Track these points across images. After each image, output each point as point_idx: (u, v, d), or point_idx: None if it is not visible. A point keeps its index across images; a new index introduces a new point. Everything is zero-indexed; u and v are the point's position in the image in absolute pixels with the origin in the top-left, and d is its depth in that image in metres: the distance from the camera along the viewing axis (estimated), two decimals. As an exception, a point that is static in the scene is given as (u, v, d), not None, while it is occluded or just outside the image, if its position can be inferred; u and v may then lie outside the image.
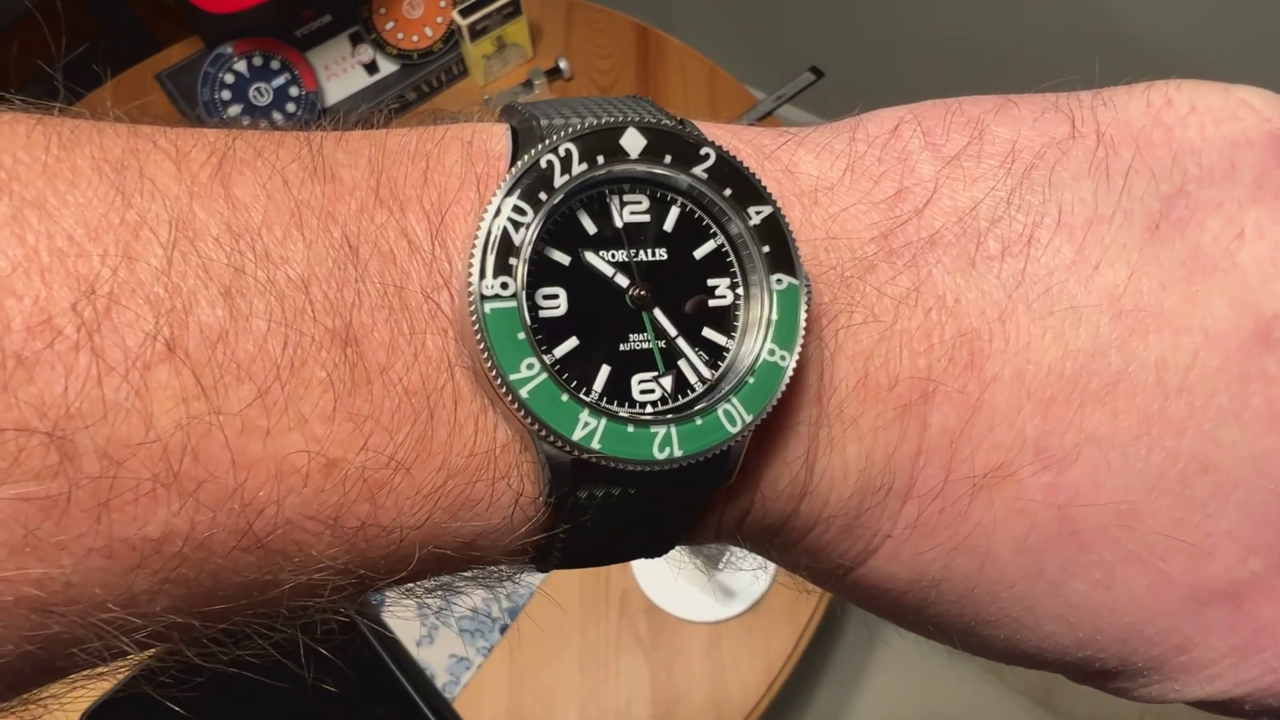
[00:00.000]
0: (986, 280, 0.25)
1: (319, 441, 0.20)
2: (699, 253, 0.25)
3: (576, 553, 0.25)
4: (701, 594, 1.06)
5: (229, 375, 0.19)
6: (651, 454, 0.22)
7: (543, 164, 0.23)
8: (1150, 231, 0.25)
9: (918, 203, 0.26)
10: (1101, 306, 0.25)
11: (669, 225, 0.24)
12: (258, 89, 1.36)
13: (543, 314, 0.23)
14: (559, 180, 0.23)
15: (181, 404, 0.19)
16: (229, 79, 1.35)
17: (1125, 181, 0.26)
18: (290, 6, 1.34)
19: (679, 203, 0.25)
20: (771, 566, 0.30)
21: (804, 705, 1.27)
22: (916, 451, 0.25)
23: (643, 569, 1.08)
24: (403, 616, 1.03)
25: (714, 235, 0.25)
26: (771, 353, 0.24)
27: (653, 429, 0.23)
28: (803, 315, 0.24)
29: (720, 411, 0.23)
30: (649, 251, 0.24)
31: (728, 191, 0.24)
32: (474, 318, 0.21)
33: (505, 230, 0.22)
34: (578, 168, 0.23)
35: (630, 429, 0.22)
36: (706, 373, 0.24)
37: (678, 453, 0.23)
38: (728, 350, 0.24)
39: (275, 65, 1.36)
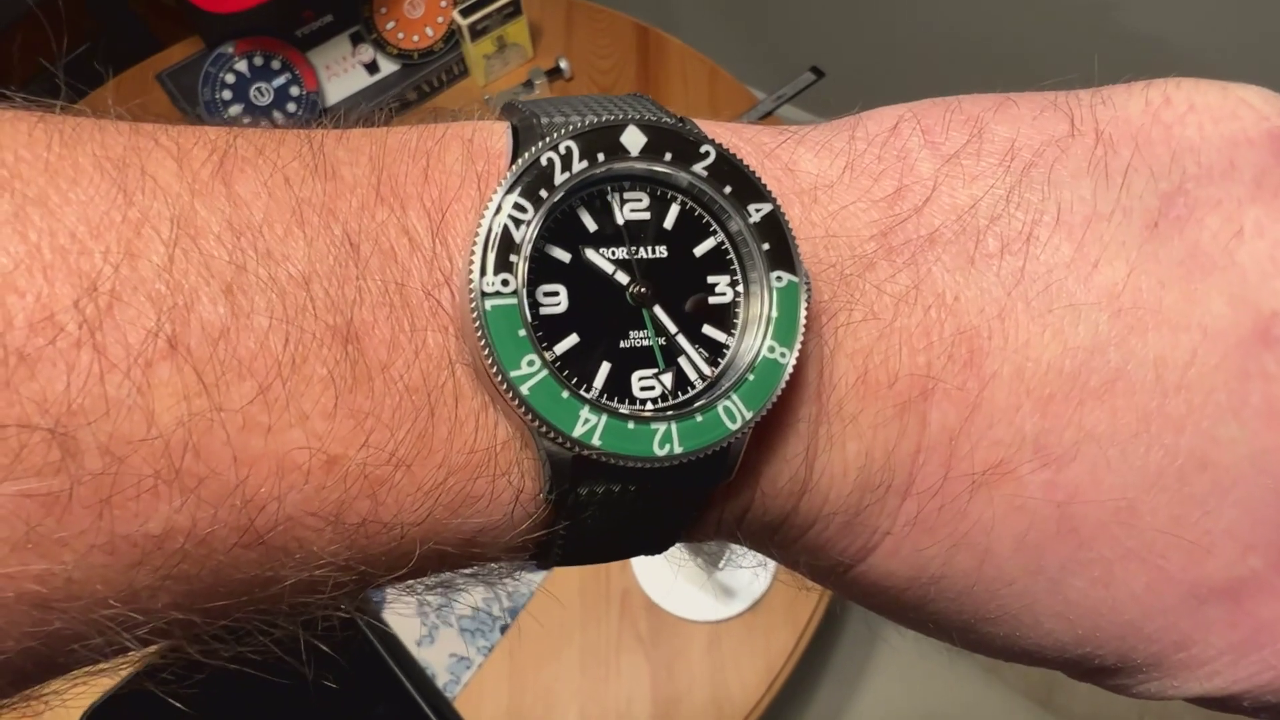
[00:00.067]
0: (986, 278, 0.25)
1: (320, 438, 0.20)
2: (699, 250, 0.25)
3: (577, 549, 0.25)
4: (702, 593, 1.06)
5: (230, 372, 0.20)
6: (652, 451, 0.22)
7: (543, 161, 0.23)
8: (1149, 229, 0.25)
9: (917, 201, 0.26)
10: (1100, 304, 0.25)
11: (669, 223, 0.25)
12: (258, 89, 1.36)
13: (543, 311, 0.23)
14: (559, 178, 0.23)
15: (183, 401, 0.19)
16: (230, 79, 1.35)
17: (1124, 179, 0.26)
18: (291, 6, 1.34)
19: (679, 200, 0.25)
20: (772, 565, 0.30)
21: (804, 704, 1.27)
22: (916, 449, 0.25)
23: (643, 568, 1.08)
24: (403, 615, 1.03)
25: (714, 233, 0.25)
26: (771, 350, 0.24)
27: (653, 426, 0.23)
28: (802, 312, 0.24)
29: (720, 408, 0.23)
30: (649, 249, 0.24)
31: (728, 189, 0.24)
32: (475, 315, 0.21)
33: (506, 227, 0.22)
34: (578, 165, 0.23)
35: (630, 426, 0.22)
36: (706, 370, 0.24)
37: (678, 449, 0.23)
38: (728, 347, 0.25)
39: (276, 65, 1.37)
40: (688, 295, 0.24)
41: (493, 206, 0.22)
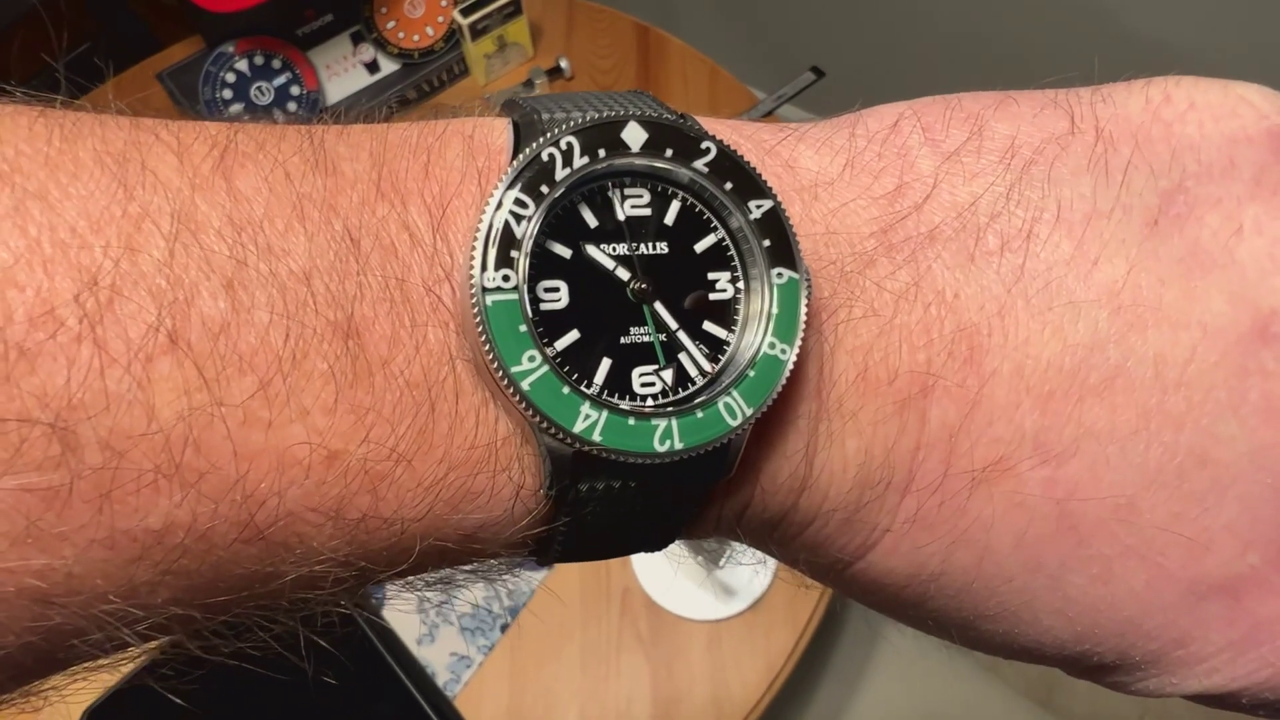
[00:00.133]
0: (986, 275, 0.25)
1: (321, 433, 0.20)
2: (700, 246, 0.25)
3: (577, 546, 0.25)
4: (702, 592, 1.06)
5: (231, 367, 0.20)
6: (652, 446, 0.22)
7: (544, 157, 0.23)
8: (1149, 227, 0.26)
9: (917, 198, 0.26)
10: (1100, 302, 0.25)
11: (670, 219, 0.25)
12: (259, 88, 1.36)
13: (544, 307, 0.23)
14: (560, 173, 0.23)
15: (183, 395, 0.19)
16: (230, 78, 1.35)
17: (1124, 177, 0.26)
18: (292, 6, 1.34)
19: (680, 196, 0.25)
20: (772, 564, 0.30)
21: (805, 703, 1.27)
22: (915, 446, 0.25)
23: (643, 567, 1.08)
24: (403, 613, 1.03)
25: (715, 229, 0.25)
26: (772, 346, 0.24)
27: (654, 422, 0.23)
28: (803, 309, 0.24)
29: (721, 405, 0.23)
30: (650, 245, 0.24)
31: (728, 185, 0.24)
32: (475, 310, 0.21)
33: (507, 223, 0.22)
34: (579, 161, 0.23)
35: (631, 422, 0.22)
36: (707, 366, 0.24)
37: (678, 445, 0.23)
38: (728, 344, 0.25)
39: (277, 64, 1.37)
40: (688, 291, 0.24)
41: (494, 202, 0.22)
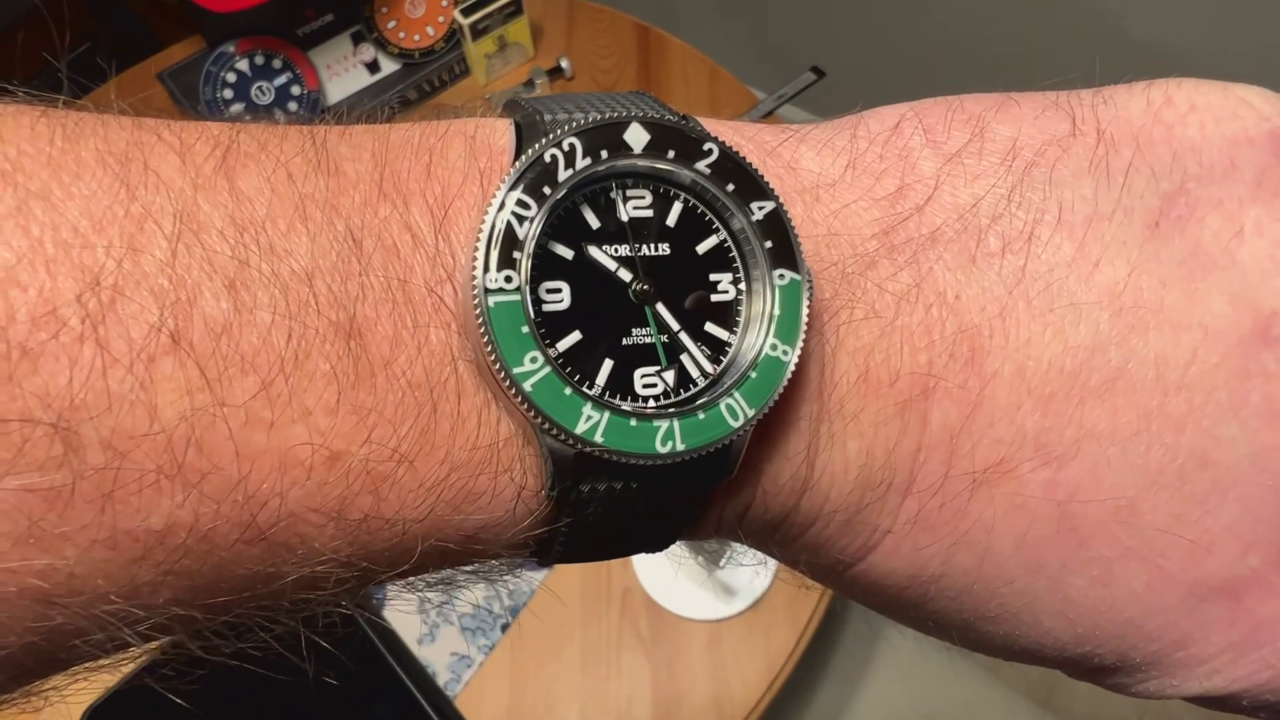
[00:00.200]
0: (987, 277, 0.25)
1: (322, 434, 0.20)
2: (701, 248, 0.25)
3: (578, 546, 0.25)
4: (703, 592, 1.06)
5: (233, 367, 0.20)
6: (654, 448, 0.22)
7: (546, 158, 0.23)
8: (1150, 229, 0.26)
9: (919, 199, 0.26)
10: (1101, 303, 0.25)
11: (672, 220, 0.25)
12: (259, 88, 1.36)
13: (546, 308, 0.23)
14: (563, 175, 0.23)
15: (186, 396, 0.19)
16: (231, 78, 1.35)
17: (1125, 179, 0.26)
18: (292, 5, 1.34)
19: (682, 198, 0.25)
20: (772, 564, 0.30)
21: (805, 703, 1.27)
22: (917, 447, 0.25)
23: (644, 567, 1.08)
24: (404, 613, 1.03)
25: (716, 230, 0.25)
26: (774, 348, 0.24)
27: (655, 423, 0.23)
28: (805, 311, 0.24)
29: (722, 406, 0.23)
30: (652, 246, 0.24)
31: (730, 187, 0.24)
32: (478, 311, 0.21)
33: (509, 224, 0.22)
34: (581, 162, 0.23)
35: (633, 423, 0.22)
36: (709, 367, 0.24)
37: (680, 447, 0.23)
38: (730, 345, 0.25)
39: (277, 64, 1.37)
40: (690, 293, 0.24)
41: (496, 203, 0.22)
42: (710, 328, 0.24)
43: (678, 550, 0.28)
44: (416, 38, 1.43)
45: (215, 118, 0.23)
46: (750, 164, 0.24)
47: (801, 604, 1.06)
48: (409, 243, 0.22)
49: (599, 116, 0.24)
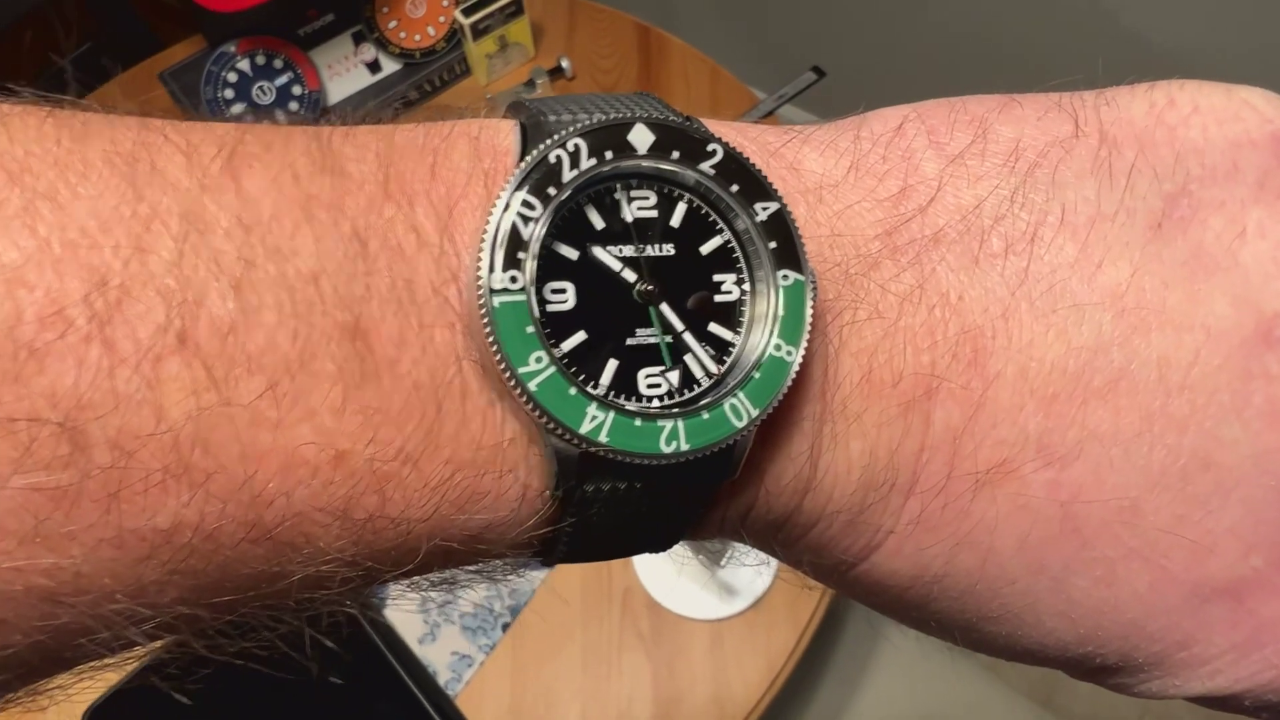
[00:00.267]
0: (990, 278, 0.25)
1: (328, 434, 0.20)
2: (706, 248, 0.25)
3: (582, 546, 0.25)
4: (703, 592, 1.06)
5: (239, 367, 0.20)
6: (658, 448, 0.23)
7: (551, 159, 0.23)
8: (1153, 230, 0.26)
9: (922, 200, 0.26)
10: (1104, 304, 0.25)
11: (676, 221, 0.25)
12: (260, 88, 1.36)
13: (550, 308, 0.23)
14: (568, 175, 0.23)
15: (192, 396, 0.19)
16: (232, 78, 1.35)
17: (1128, 180, 0.26)
18: (293, 5, 1.34)
19: (686, 198, 0.25)
20: (773, 564, 0.30)
21: (806, 703, 1.27)
22: (920, 448, 0.25)
23: (645, 566, 1.08)
24: (405, 612, 1.03)
25: (721, 231, 0.25)
26: (778, 348, 0.24)
27: (660, 423, 0.23)
28: (809, 311, 0.24)
29: (726, 406, 0.23)
30: (656, 247, 0.24)
31: (734, 188, 0.24)
32: (483, 311, 0.21)
33: (514, 225, 0.22)
34: (586, 163, 0.23)
35: (637, 423, 0.22)
36: (713, 367, 0.24)
37: (684, 447, 0.23)
38: (734, 345, 0.25)
39: (278, 64, 1.37)
40: (694, 293, 0.24)
41: (501, 204, 0.22)
42: (714, 328, 0.25)
43: (680, 550, 0.28)
44: (417, 38, 1.43)
45: (216, 118, 0.23)
46: (754, 165, 0.24)
47: (802, 603, 1.06)
48: (414, 243, 0.22)
49: (604, 117, 0.24)
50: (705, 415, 0.23)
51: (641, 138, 0.24)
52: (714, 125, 0.26)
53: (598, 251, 0.24)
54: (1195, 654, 0.26)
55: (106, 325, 0.19)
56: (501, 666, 1.04)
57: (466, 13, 1.35)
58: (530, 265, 0.22)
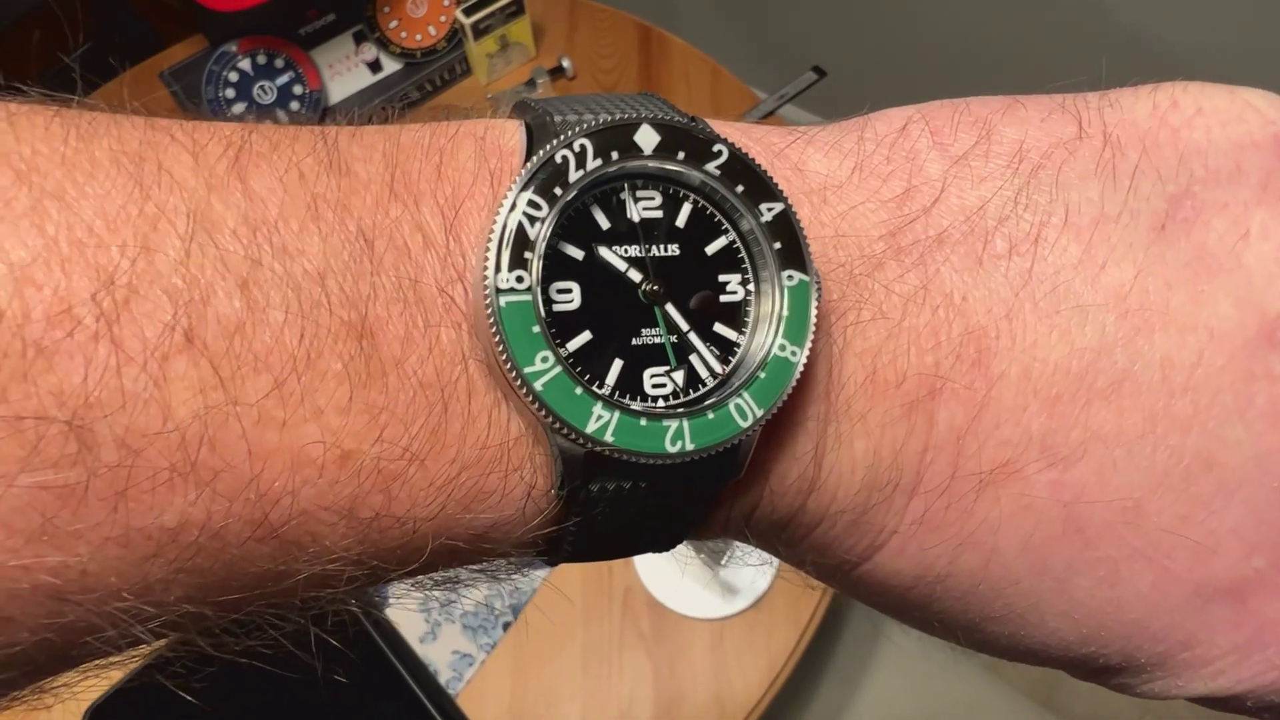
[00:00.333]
0: (994, 279, 0.25)
1: (334, 433, 0.20)
2: (711, 249, 0.25)
3: (586, 546, 0.25)
4: (704, 591, 1.06)
5: (246, 366, 0.20)
6: (664, 447, 0.23)
7: (558, 159, 0.23)
8: (1156, 231, 0.26)
9: (925, 201, 0.26)
10: (1108, 305, 0.25)
11: (681, 221, 0.25)
12: (262, 87, 1.36)
13: (556, 308, 0.23)
14: (574, 175, 0.23)
15: (199, 394, 0.19)
16: (233, 77, 1.35)
17: (1132, 182, 0.26)
18: (294, 5, 1.35)
19: (691, 199, 0.25)
20: (774, 563, 0.30)
21: (807, 702, 1.27)
22: (923, 448, 0.25)
23: (646, 566, 1.08)
24: (407, 611, 1.03)
25: (726, 231, 0.25)
26: (782, 348, 0.24)
27: (665, 423, 0.23)
28: (813, 311, 0.24)
29: (731, 406, 0.23)
30: (661, 247, 0.24)
31: (740, 188, 0.24)
32: (489, 311, 0.21)
33: (520, 224, 0.22)
34: (592, 163, 0.23)
35: (643, 422, 0.23)
36: (718, 367, 0.24)
37: (689, 446, 0.23)
38: (739, 345, 0.25)
39: (279, 63, 1.37)
40: (699, 293, 0.25)
41: (508, 203, 0.22)
42: (719, 328, 0.25)
43: (682, 550, 0.28)
44: (418, 37, 1.43)
45: (218, 117, 0.23)
46: (759, 165, 0.25)
47: (803, 603, 1.06)
48: (420, 243, 0.22)
49: (609, 118, 0.24)
50: (710, 415, 0.23)
51: (647, 138, 0.24)
52: (719, 126, 0.26)
53: (603, 251, 0.24)
54: (1198, 654, 0.26)
55: (114, 324, 0.19)
56: (502, 665, 1.04)
57: (467, 12, 1.35)
58: (536, 265, 0.22)
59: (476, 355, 0.22)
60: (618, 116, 0.24)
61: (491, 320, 0.21)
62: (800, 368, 0.24)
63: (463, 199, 0.23)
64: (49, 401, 0.18)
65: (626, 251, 0.24)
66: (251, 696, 0.83)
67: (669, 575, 1.07)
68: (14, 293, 0.18)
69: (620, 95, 0.26)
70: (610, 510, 0.24)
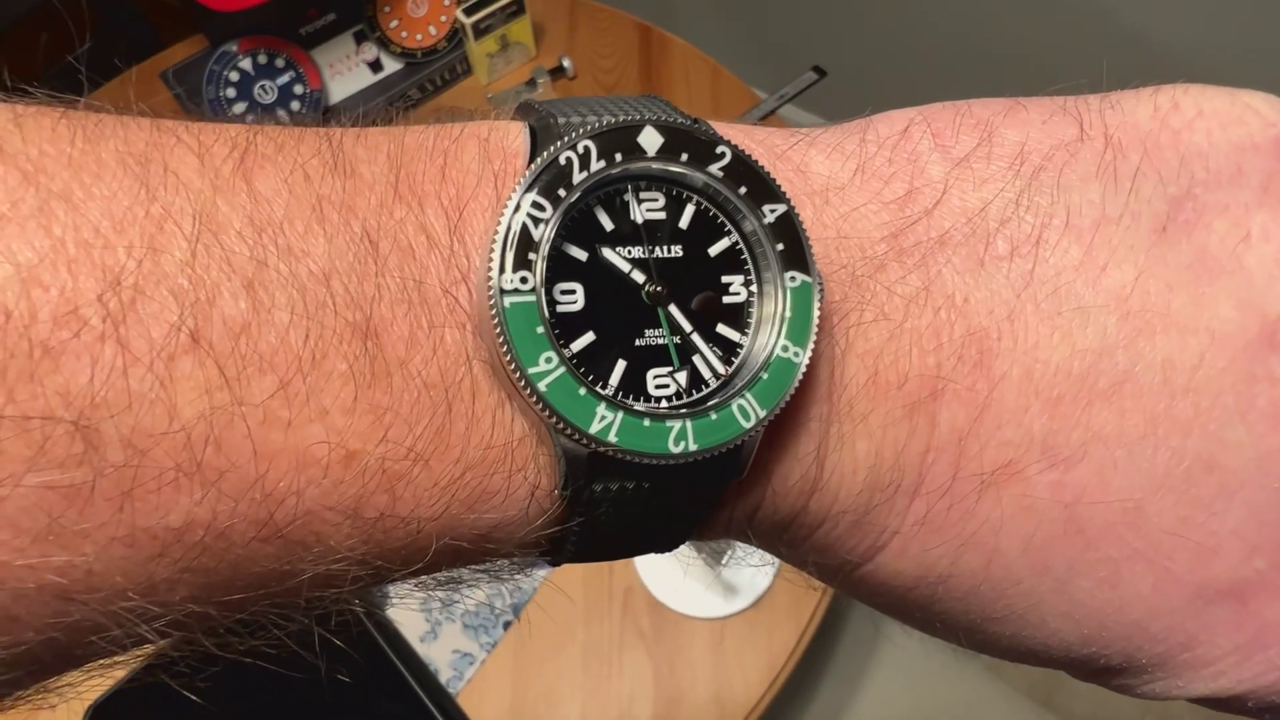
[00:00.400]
0: (995, 280, 0.25)
1: (339, 433, 0.21)
2: (714, 250, 0.25)
3: (589, 546, 0.25)
4: (705, 590, 1.06)
5: (252, 367, 0.20)
6: (667, 448, 0.23)
7: (562, 161, 0.23)
8: (1157, 233, 0.26)
9: (927, 203, 0.26)
10: (1109, 307, 0.25)
11: (684, 222, 0.25)
12: (262, 87, 1.36)
13: (560, 309, 0.23)
14: (577, 177, 0.23)
15: (205, 395, 0.19)
16: (234, 77, 1.35)
17: (1133, 184, 0.26)
18: (295, 4, 1.35)
19: (694, 200, 0.25)
20: (775, 563, 0.30)
21: (807, 702, 1.27)
22: (925, 449, 0.25)
23: (646, 565, 1.08)
24: (408, 610, 1.04)
25: (729, 233, 0.25)
26: (785, 349, 0.24)
27: (668, 423, 0.23)
28: (816, 313, 0.24)
29: (734, 406, 0.23)
30: (665, 248, 0.24)
31: (743, 190, 0.24)
32: (494, 312, 0.21)
33: (525, 226, 0.22)
34: (596, 165, 0.23)
35: (646, 423, 0.23)
36: (721, 368, 0.24)
37: (692, 447, 0.23)
38: (741, 346, 0.25)
39: (280, 63, 1.37)
40: (702, 294, 0.25)
41: (512, 205, 0.22)
42: (722, 329, 0.25)
43: (684, 550, 0.29)
44: (419, 37, 1.43)
45: (218, 117, 0.24)
46: (762, 167, 0.25)
47: (804, 602, 1.06)
48: (424, 244, 0.22)
49: (613, 120, 0.24)
50: (713, 416, 0.23)
51: (650, 140, 0.24)
52: (721, 128, 0.26)
53: (607, 253, 0.24)
54: (1198, 655, 0.26)
55: (120, 324, 0.19)
56: (503, 664, 1.04)
57: (468, 12, 1.35)
58: (540, 266, 0.22)
59: (480, 356, 0.22)
60: (621, 118, 0.24)
61: (496, 321, 0.21)
62: (803, 369, 0.24)
63: (467, 200, 0.23)
64: (55, 402, 0.18)
65: (630, 253, 0.24)
66: (253, 695, 0.83)
67: (669, 575, 1.07)
68: (21, 293, 0.18)
69: (623, 97, 0.26)
70: (613, 510, 0.24)
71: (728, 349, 0.25)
